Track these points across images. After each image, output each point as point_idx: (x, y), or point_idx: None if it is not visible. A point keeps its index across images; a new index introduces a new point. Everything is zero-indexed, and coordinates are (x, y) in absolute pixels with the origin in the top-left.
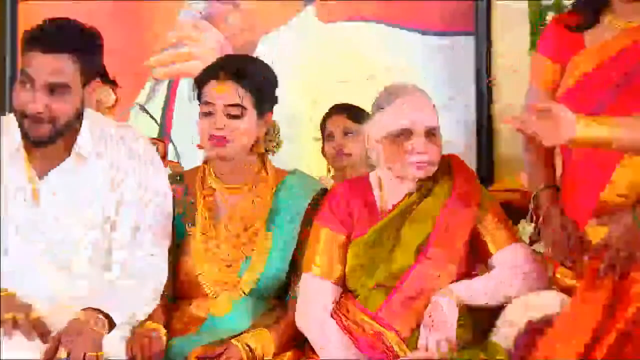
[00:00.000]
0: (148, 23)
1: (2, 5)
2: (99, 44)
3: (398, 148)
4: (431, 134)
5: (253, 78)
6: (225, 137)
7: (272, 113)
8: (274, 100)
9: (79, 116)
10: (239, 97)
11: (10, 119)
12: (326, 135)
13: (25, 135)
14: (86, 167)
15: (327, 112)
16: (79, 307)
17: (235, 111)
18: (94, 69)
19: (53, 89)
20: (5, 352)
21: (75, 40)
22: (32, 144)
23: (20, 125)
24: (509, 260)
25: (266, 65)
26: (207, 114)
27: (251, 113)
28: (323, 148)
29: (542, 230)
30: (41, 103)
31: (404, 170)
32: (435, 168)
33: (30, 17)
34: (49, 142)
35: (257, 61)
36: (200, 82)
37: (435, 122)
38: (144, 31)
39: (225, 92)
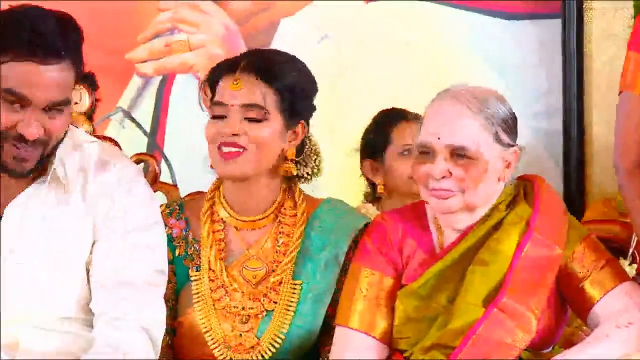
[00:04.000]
0: (131, 3)
1: None
2: (82, 41)
3: (419, 170)
4: (460, 154)
5: (281, 75)
6: (239, 145)
7: (305, 125)
8: (310, 108)
9: (65, 133)
10: (261, 95)
11: None
12: (394, 151)
13: (1, 168)
14: (61, 196)
15: (385, 118)
16: None
17: (254, 113)
18: (82, 71)
19: (52, 108)
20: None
21: (68, 43)
22: (10, 174)
23: None
24: (622, 304)
25: (303, 64)
26: (217, 118)
27: (276, 119)
28: (370, 165)
29: None
30: (39, 127)
31: (428, 199)
32: (476, 199)
33: None
34: (31, 172)
35: (289, 57)
36: (211, 78)
37: (469, 140)
38: (127, 14)
39: (242, 88)
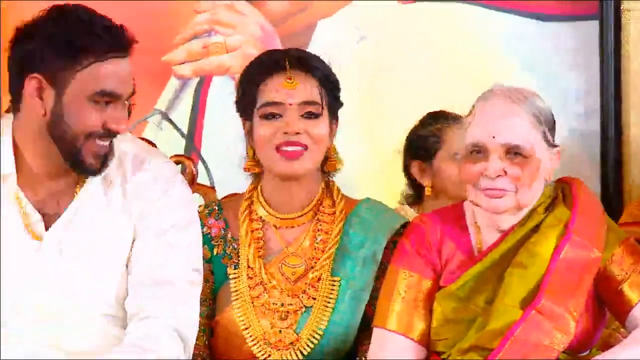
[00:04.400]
0: (169, 5)
1: None
2: None
3: (470, 169)
4: (516, 153)
5: (325, 70)
6: (301, 143)
7: (338, 121)
8: (341, 104)
9: None
10: (317, 90)
11: None
12: (445, 153)
13: (78, 165)
14: (104, 192)
15: (435, 120)
16: None
17: (313, 109)
18: None
19: (126, 101)
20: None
21: (129, 35)
22: (90, 173)
23: (74, 155)
24: None
25: (324, 61)
26: (270, 117)
27: (325, 114)
28: (418, 166)
29: None
30: (125, 120)
31: (477, 199)
32: (526, 199)
33: (15, 16)
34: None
35: (315, 55)
36: (253, 78)
37: (523, 139)
38: (164, 16)
39: (298, 86)
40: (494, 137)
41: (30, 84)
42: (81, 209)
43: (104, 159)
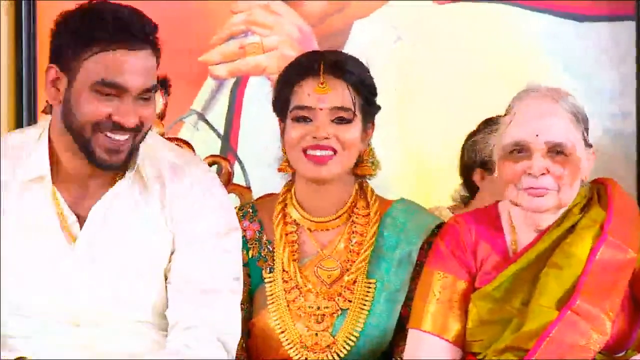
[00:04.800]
0: (205, 6)
1: (18, 4)
2: (156, 27)
3: (511, 168)
4: (558, 151)
5: (361, 75)
6: (330, 147)
7: (374, 125)
8: (378, 108)
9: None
10: (349, 96)
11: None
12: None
13: (93, 159)
14: (141, 196)
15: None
16: None
17: (344, 115)
18: (158, 62)
19: (144, 96)
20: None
21: (152, 32)
22: (103, 168)
23: (85, 147)
24: None
25: (363, 64)
26: (301, 120)
27: (358, 119)
28: (480, 174)
29: None
30: (135, 114)
31: (518, 198)
32: (567, 198)
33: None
34: (124, 164)
35: (354, 57)
36: (288, 80)
37: (565, 137)
38: (200, 17)
39: (330, 91)
40: (537, 136)
41: (49, 74)
42: (112, 212)
43: (127, 157)
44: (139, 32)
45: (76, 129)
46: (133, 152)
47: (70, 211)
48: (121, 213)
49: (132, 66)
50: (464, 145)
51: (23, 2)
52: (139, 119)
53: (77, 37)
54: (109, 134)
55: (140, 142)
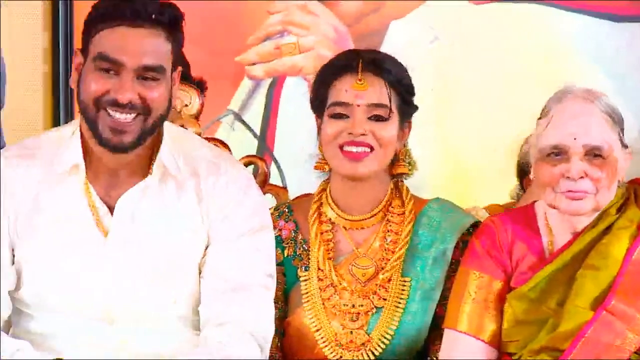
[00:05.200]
0: (242, 6)
1: (55, 4)
2: (182, 22)
3: (549, 171)
4: (596, 154)
5: (399, 73)
6: (367, 144)
7: (411, 125)
8: (415, 108)
9: (168, 113)
10: (387, 93)
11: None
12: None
13: (100, 140)
14: (174, 193)
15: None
16: None
17: (381, 112)
18: (179, 52)
19: (146, 74)
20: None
21: (164, 14)
22: (110, 149)
23: (92, 127)
24: None
25: (401, 63)
26: (338, 117)
27: (395, 117)
28: (523, 170)
29: None
30: (133, 91)
31: (556, 201)
32: (605, 200)
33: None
34: (132, 146)
35: (392, 57)
36: (325, 78)
37: (603, 140)
38: (237, 17)
39: (368, 88)
40: (575, 139)
41: (74, 60)
42: (141, 205)
43: (137, 140)
44: (143, 9)
45: (83, 108)
46: (144, 137)
47: (101, 203)
48: (151, 207)
49: (131, 42)
50: (521, 146)
51: (60, 1)
52: (141, 99)
53: (92, 19)
54: (110, 112)
55: (155, 128)
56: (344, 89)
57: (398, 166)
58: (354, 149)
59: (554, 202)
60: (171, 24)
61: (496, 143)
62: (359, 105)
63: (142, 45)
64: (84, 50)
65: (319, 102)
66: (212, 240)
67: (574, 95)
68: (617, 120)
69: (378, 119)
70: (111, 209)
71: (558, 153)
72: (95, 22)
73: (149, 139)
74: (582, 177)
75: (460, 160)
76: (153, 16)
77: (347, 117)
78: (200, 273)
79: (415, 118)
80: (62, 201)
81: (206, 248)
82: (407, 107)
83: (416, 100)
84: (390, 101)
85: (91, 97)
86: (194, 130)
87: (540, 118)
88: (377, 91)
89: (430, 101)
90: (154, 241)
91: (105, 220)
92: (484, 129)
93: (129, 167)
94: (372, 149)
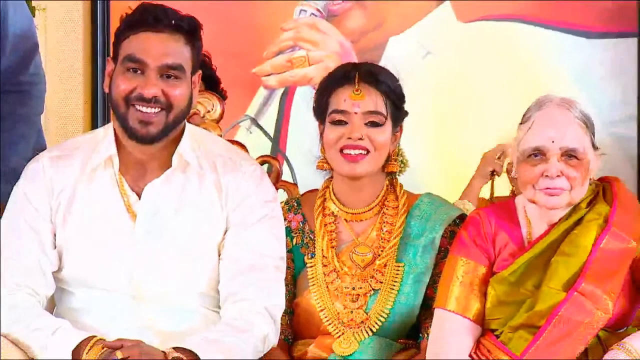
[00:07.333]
0: (259, 24)
1: (93, 5)
2: (200, 31)
3: (530, 170)
4: (571, 156)
5: (391, 84)
6: (363, 147)
7: (402, 128)
8: (405, 114)
9: (188, 111)
10: (382, 102)
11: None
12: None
13: (130, 133)
14: (196, 183)
15: None
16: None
17: (376, 119)
18: (199, 58)
19: (169, 73)
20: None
21: (183, 21)
22: (138, 140)
23: (123, 122)
24: None
25: (393, 75)
26: (338, 124)
27: (388, 123)
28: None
29: None
30: (157, 87)
31: (535, 197)
32: (578, 196)
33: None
34: (157, 138)
35: (386, 69)
36: (327, 89)
37: (578, 143)
38: (254, 33)
39: (365, 97)
40: (553, 142)
41: (107, 67)
42: (165, 193)
43: (162, 132)
44: (164, 17)
45: (115, 106)
46: (168, 130)
47: (131, 191)
48: (174, 195)
49: (153, 45)
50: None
51: (98, 1)
52: (164, 95)
53: (123, 28)
54: (137, 107)
55: (177, 123)
56: (343, 99)
57: (391, 165)
58: (352, 151)
59: (533, 198)
60: (190, 31)
61: (478, 144)
62: (356, 113)
63: (163, 47)
64: (115, 58)
65: (321, 109)
66: (231, 225)
67: (552, 103)
68: (589, 126)
69: (374, 124)
70: (140, 197)
71: (538, 154)
72: (124, 31)
73: (172, 133)
74: (559, 176)
75: (450, 159)
76: (173, 22)
77: (346, 123)
78: (219, 255)
79: (409, 123)
80: (96, 192)
81: (224, 233)
82: (398, 113)
83: (412, 107)
84: (384, 109)
85: (121, 95)
86: (216, 133)
87: (521, 123)
88: (372, 100)
89: (423, 108)
90: (177, 225)
91: (135, 207)
92: (470, 132)
93: (155, 160)
94: (368, 151)
